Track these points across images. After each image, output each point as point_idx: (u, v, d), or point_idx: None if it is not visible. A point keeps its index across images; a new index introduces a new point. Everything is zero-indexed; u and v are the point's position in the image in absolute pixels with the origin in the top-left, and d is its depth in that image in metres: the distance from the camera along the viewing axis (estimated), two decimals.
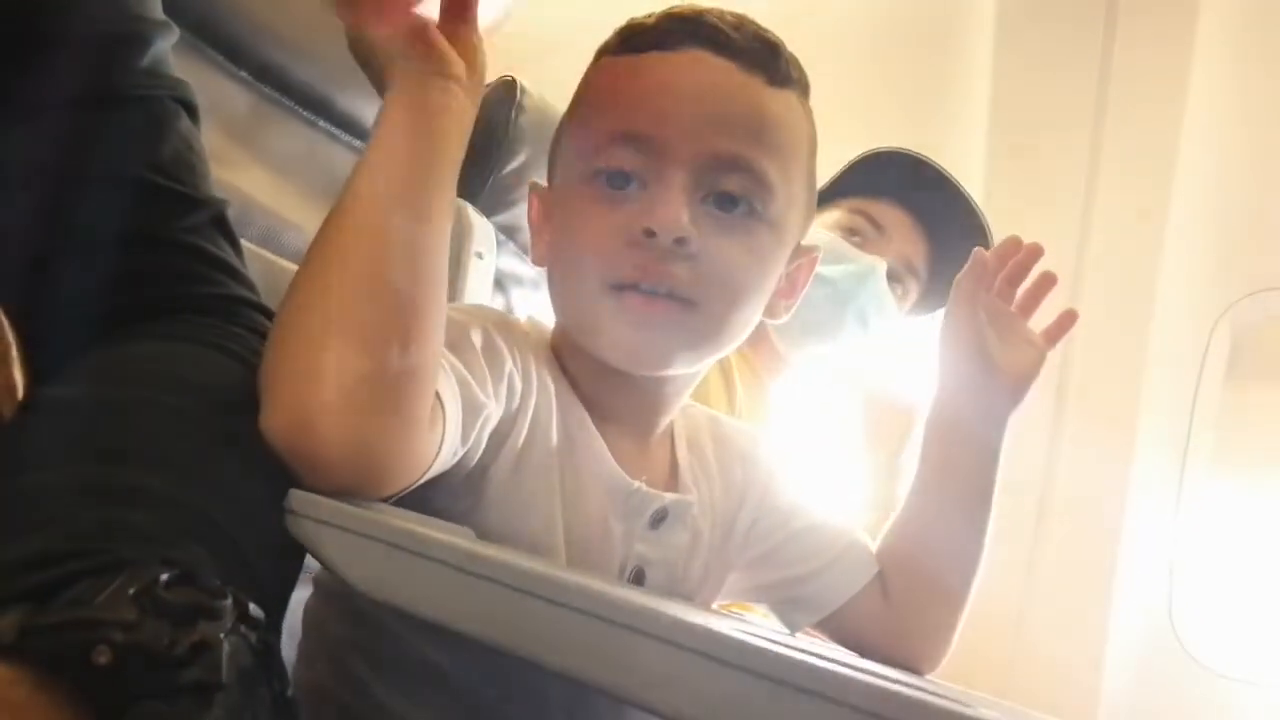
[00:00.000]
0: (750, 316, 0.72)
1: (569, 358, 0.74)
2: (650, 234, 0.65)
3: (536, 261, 0.76)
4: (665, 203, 0.65)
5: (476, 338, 0.65)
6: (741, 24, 0.69)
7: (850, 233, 1.33)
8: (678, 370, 0.73)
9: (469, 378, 0.61)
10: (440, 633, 0.66)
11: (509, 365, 0.67)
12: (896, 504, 0.86)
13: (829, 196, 1.35)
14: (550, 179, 0.76)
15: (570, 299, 0.72)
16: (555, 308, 0.74)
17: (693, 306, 0.67)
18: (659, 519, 0.73)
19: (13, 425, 0.47)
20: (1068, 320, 0.86)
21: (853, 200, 1.35)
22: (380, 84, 0.60)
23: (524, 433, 0.68)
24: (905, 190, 1.34)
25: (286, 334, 0.53)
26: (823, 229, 1.30)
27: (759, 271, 0.70)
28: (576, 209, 0.69)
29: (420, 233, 0.56)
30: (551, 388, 0.71)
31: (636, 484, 0.72)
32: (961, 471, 0.82)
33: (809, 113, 0.73)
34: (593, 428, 0.72)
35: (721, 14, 0.69)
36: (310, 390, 0.50)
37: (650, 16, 0.71)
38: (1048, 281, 0.85)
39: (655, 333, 0.67)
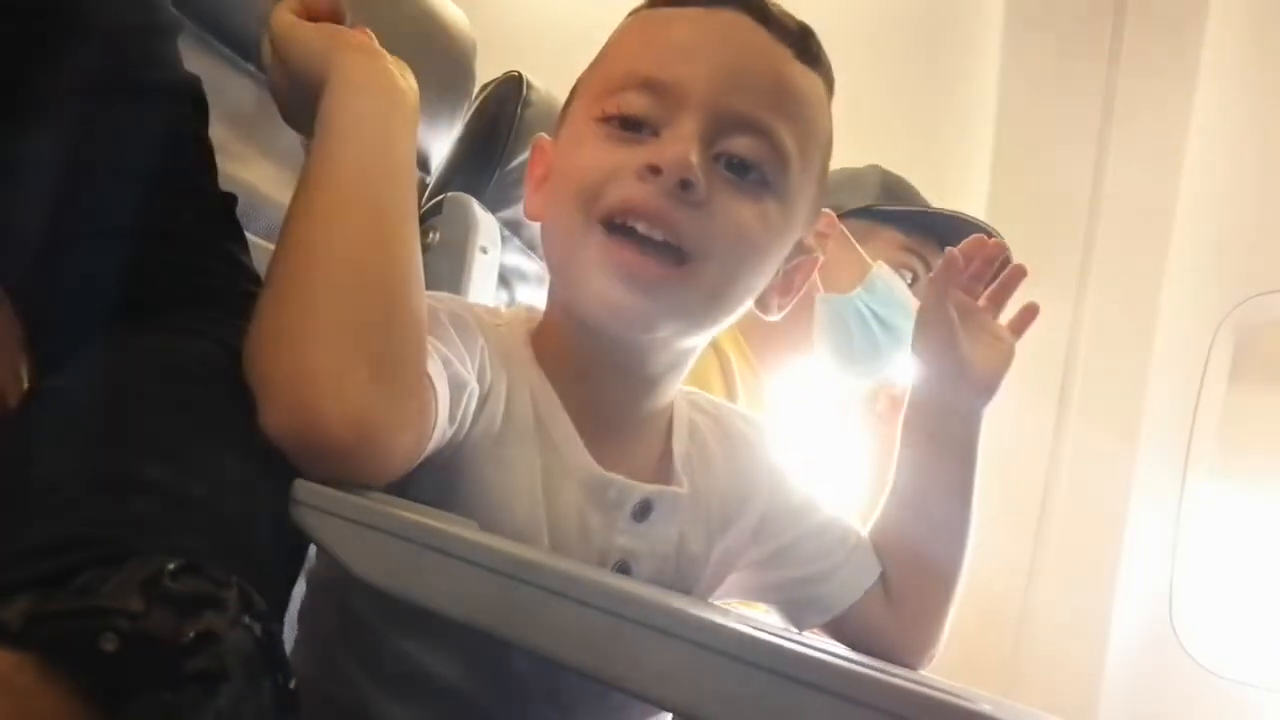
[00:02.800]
0: (745, 291, 0.70)
1: (549, 343, 0.72)
2: (655, 171, 0.63)
3: (529, 214, 0.74)
4: (675, 143, 0.63)
5: (446, 319, 0.64)
6: (780, 5, 0.69)
7: (904, 269, 1.37)
8: (663, 334, 0.69)
9: (450, 356, 0.61)
10: (424, 630, 0.66)
11: (480, 342, 0.66)
12: None
13: (885, 217, 1.40)
14: (559, 131, 0.73)
15: (560, 238, 0.69)
16: (546, 258, 0.72)
17: (689, 262, 0.64)
18: (643, 511, 0.71)
19: (19, 415, 0.47)
20: (1029, 313, 0.87)
21: (907, 236, 1.39)
22: (302, 116, 0.63)
23: (498, 422, 0.66)
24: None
25: (272, 331, 0.52)
26: (884, 263, 1.34)
27: (765, 242, 0.68)
28: (581, 146, 0.67)
29: (390, 211, 0.56)
30: (527, 377, 0.69)
31: (613, 476, 0.69)
32: (940, 466, 0.83)
33: (829, 108, 0.72)
34: (566, 418, 0.69)
35: None
36: (309, 386, 0.50)
37: None
38: (1016, 274, 0.86)
39: (644, 292, 0.64)
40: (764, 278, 0.71)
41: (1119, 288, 1.67)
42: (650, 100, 0.65)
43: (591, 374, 0.70)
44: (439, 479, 0.63)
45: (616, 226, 0.64)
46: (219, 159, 0.65)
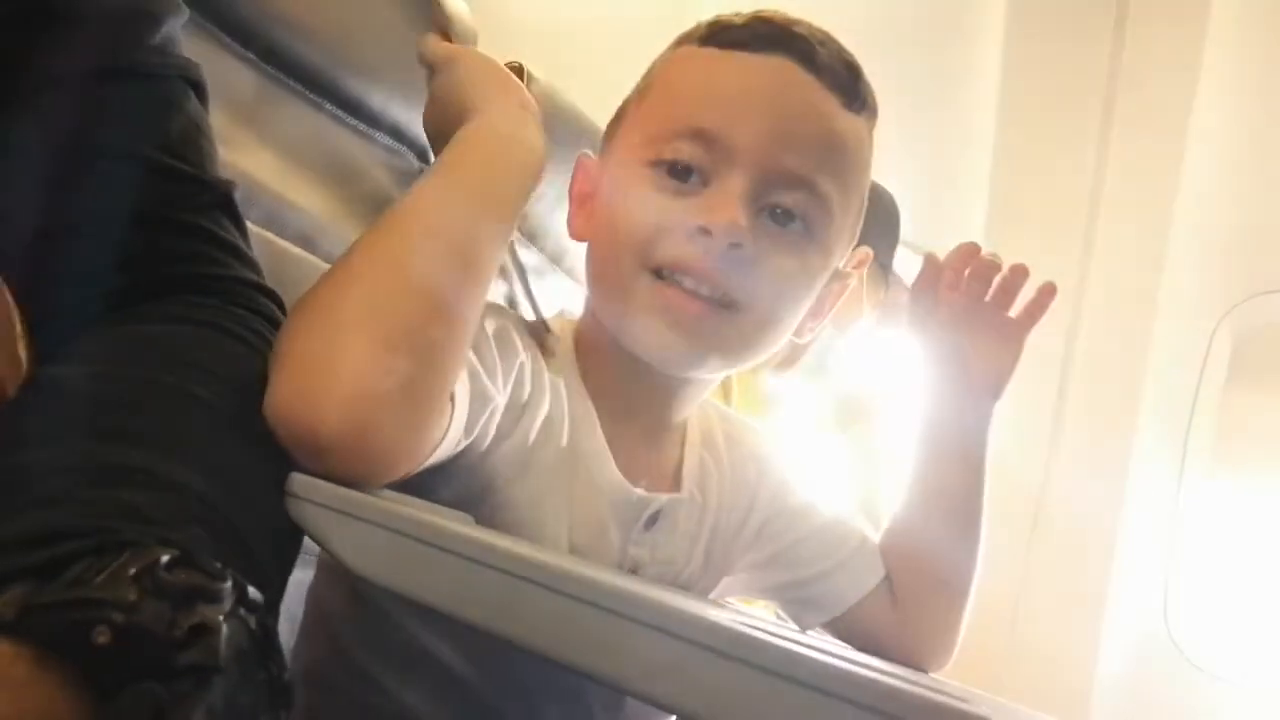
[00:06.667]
0: (786, 332, 0.72)
1: (589, 352, 0.73)
2: (706, 233, 0.65)
3: (574, 235, 0.75)
4: (725, 204, 0.65)
5: (490, 326, 0.65)
6: (828, 40, 0.70)
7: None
8: (705, 374, 0.72)
9: (479, 368, 0.61)
10: (433, 617, 0.67)
11: (520, 358, 0.66)
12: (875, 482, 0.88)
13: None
14: (604, 153, 0.75)
15: (608, 278, 0.71)
16: (590, 287, 0.74)
17: (735, 310, 0.67)
18: (652, 520, 0.73)
19: (15, 403, 0.47)
20: (1046, 295, 0.84)
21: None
22: (445, 135, 0.64)
23: (533, 434, 0.67)
24: None
25: (311, 317, 0.53)
26: None
27: (806, 289, 0.71)
28: (632, 190, 0.69)
29: (476, 244, 0.57)
30: (564, 391, 0.71)
31: (637, 491, 0.72)
32: (952, 469, 0.83)
33: (872, 140, 0.73)
34: (600, 434, 0.71)
35: (811, 27, 0.69)
36: (318, 370, 0.50)
37: (740, 16, 0.71)
38: (1020, 270, 0.83)
39: (690, 333, 0.67)
40: (802, 315, 0.73)
41: (1118, 287, 1.67)
42: (700, 149, 0.67)
43: (624, 386, 0.72)
44: (464, 489, 0.64)
45: (664, 275, 0.66)
46: (216, 147, 0.65)
